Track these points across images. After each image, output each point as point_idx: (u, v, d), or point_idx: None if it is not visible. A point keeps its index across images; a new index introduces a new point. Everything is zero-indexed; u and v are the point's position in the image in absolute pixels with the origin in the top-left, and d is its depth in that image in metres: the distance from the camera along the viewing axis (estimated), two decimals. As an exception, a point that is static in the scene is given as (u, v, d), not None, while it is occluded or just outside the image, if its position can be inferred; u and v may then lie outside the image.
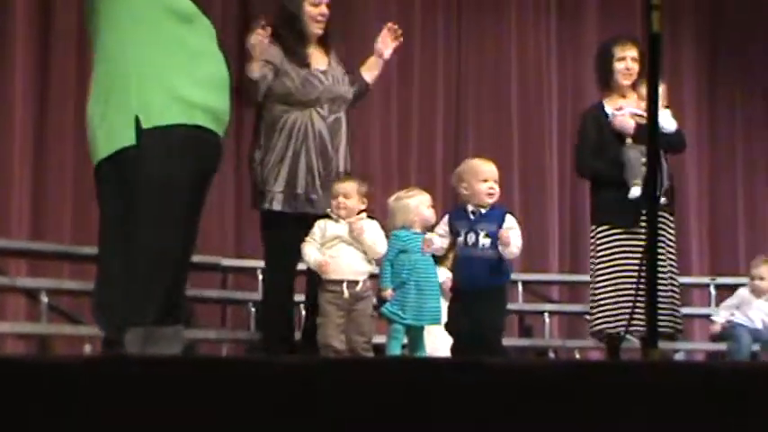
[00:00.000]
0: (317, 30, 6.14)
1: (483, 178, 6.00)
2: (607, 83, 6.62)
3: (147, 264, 4.30)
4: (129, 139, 4.32)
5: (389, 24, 6.43)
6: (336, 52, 6.35)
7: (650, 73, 3.64)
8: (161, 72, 4.38)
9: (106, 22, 4.46)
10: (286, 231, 5.98)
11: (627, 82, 6.54)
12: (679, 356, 9.26)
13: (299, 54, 6.05)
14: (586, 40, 10.39)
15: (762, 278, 8.40)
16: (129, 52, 4.39)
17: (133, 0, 4.43)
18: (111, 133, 4.38)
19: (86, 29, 4.61)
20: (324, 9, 6.15)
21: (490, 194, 5.98)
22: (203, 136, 4.44)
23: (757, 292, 8.43)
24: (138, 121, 4.32)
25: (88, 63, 8.15)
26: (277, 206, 5.96)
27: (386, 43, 6.36)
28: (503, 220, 6.01)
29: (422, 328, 6.17)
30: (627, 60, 6.52)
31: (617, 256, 6.30)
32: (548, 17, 10.75)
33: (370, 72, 6.36)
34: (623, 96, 6.55)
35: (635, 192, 6.25)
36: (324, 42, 6.23)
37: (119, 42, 4.42)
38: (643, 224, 5.67)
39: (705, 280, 10.11)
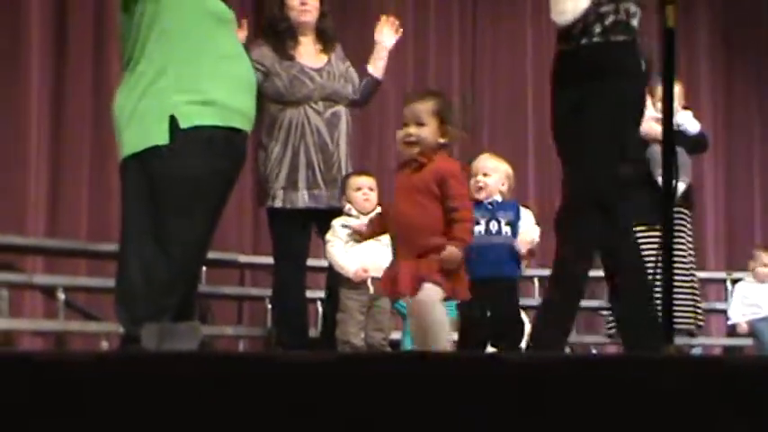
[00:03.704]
0: (303, 18, 6.12)
1: (473, 173, 6.06)
2: None
3: (172, 261, 4.33)
4: (162, 137, 4.34)
5: (388, 18, 6.42)
6: (340, 50, 6.34)
7: (665, 68, 3.63)
8: (198, 74, 4.42)
9: (146, 22, 4.48)
10: (290, 227, 6.00)
11: None
12: (696, 351, 9.24)
13: (286, 53, 6.05)
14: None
15: (765, 264, 8.51)
16: (169, 54, 4.41)
17: (175, 2, 4.46)
18: (142, 131, 4.39)
19: (120, 28, 4.63)
20: None
21: (477, 189, 6.00)
22: (235, 137, 4.49)
23: (760, 278, 8.49)
24: (173, 120, 4.34)
25: (105, 61, 8.28)
26: (279, 203, 5.97)
27: (382, 33, 6.37)
28: (518, 210, 6.06)
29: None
30: None
31: (646, 254, 6.16)
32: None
33: (374, 65, 6.36)
34: None
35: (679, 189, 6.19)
36: (323, 40, 6.21)
37: (159, 43, 4.43)
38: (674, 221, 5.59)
39: (721, 275, 10.09)
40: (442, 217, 4.36)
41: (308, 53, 6.14)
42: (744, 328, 8.56)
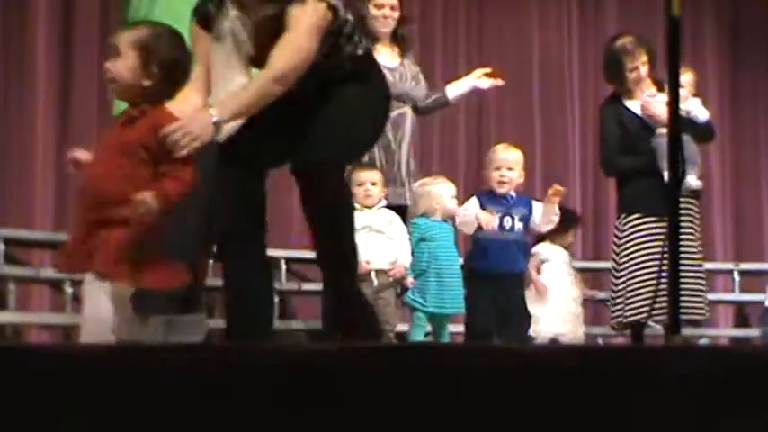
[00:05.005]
0: (381, 29, 6.24)
1: (495, 166, 6.11)
2: (619, 85, 6.52)
3: (171, 253, 4.33)
4: None
5: (499, 76, 6.58)
6: (412, 53, 6.46)
7: (670, 57, 3.62)
8: None
9: (140, 17, 4.50)
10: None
11: (641, 85, 6.44)
12: (703, 342, 9.24)
13: None
14: (607, 28, 10.36)
15: None
16: None
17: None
18: None
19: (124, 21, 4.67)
20: (387, 11, 6.23)
21: (501, 183, 6.06)
22: None
23: None
24: None
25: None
26: None
27: (483, 80, 6.50)
28: (531, 206, 6.11)
29: (445, 316, 6.19)
30: (639, 70, 6.40)
31: (654, 244, 6.14)
32: (569, 5, 10.73)
33: (454, 88, 6.54)
34: (640, 90, 6.47)
35: (692, 181, 6.17)
36: (398, 42, 6.31)
37: None
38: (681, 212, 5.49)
39: (729, 266, 10.08)
40: (147, 187, 3.48)
41: (384, 53, 6.23)
42: None
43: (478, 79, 6.57)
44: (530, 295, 6.90)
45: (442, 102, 6.51)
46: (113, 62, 3.59)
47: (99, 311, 3.49)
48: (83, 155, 3.70)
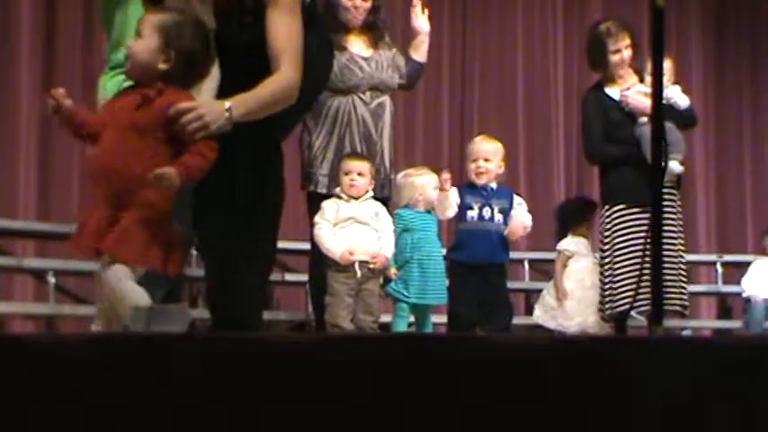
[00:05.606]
0: (352, 20, 6.21)
1: (473, 158, 6.15)
2: (602, 70, 6.54)
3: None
4: None
5: (416, 4, 6.51)
6: (387, 36, 6.42)
7: (654, 47, 3.62)
8: None
9: (120, 3, 4.50)
10: None
11: (623, 71, 6.47)
12: (686, 333, 9.27)
13: (338, 43, 6.06)
14: (592, 19, 10.38)
15: None
16: None
17: None
18: None
19: (100, 18, 4.66)
20: (358, 2, 6.19)
21: (478, 174, 6.08)
22: None
23: None
24: None
25: (94, 43, 8.26)
26: (322, 189, 6.01)
27: (418, 19, 6.46)
28: (512, 199, 6.12)
29: (427, 307, 6.19)
30: (622, 52, 6.43)
31: (637, 235, 6.13)
32: (554, 8, 10.77)
33: (416, 51, 6.45)
34: (621, 77, 6.49)
35: (675, 167, 6.19)
36: (372, 30, 6.28)
37: (131, 26, 4.44)
38: (664, 201, 5.48)
39: (712, 257, 10.11)
40: (164, 165, 3.45)
41: (357, 42, 6.21)
42: (759, 300, 8.60)
43: (420, 26, 6.50)
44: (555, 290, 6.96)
45: (416, 70, 6.45)
46: (136, 42, 3.62)
47: (131, 293, 3.49)
48: (67, 101, 3.65)
